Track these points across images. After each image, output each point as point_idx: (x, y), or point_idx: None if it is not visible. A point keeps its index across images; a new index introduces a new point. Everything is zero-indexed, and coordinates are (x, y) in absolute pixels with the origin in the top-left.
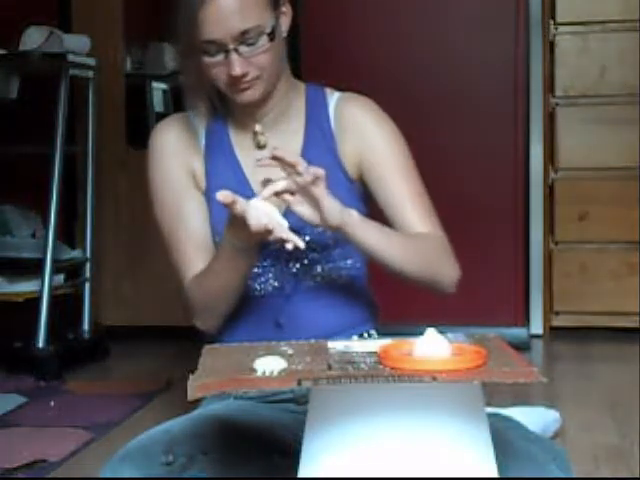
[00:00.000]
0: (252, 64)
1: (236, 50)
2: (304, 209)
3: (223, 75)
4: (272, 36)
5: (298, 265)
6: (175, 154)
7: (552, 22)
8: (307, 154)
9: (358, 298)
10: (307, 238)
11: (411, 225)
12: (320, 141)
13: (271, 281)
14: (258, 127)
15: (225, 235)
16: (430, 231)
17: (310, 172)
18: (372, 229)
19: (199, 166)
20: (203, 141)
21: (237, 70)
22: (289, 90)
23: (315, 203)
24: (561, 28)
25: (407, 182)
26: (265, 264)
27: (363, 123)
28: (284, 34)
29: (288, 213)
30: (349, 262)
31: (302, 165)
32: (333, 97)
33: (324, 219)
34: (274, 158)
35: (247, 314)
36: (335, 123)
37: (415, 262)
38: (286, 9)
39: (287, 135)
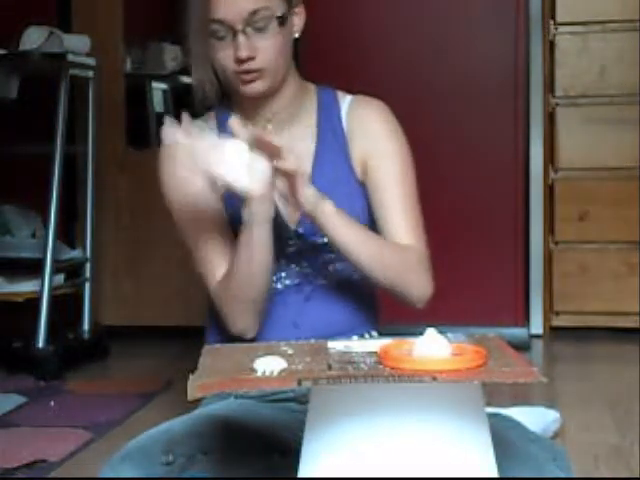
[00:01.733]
0: (259, 50)
1: (244, 32)
2: (281, 185)
3: (229, 60)
4: (282, 21)
5: (312, 265)
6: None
7: (552, 22)
8: (320, 155)
9: (367, 298)
10: (325, 240)
11: (396, 235)
12: (332, 143)
13: (283, 280)
14: (270, 127)
15: (243, 212)
16: (413, 244)
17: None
18: (345, 224)
19: None
20: None
21: (243, 52)
22: (299, 91)
23: (293, 187)
24: (561, 28)
25: (402, 194)
26: (279, 264)
27: (373, 128)
28: (296, 34)
29: (303, 217)
30: None
31: (286, 154)
32: (345, 100)
33: (298, 203)
34: (259, 141)
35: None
36: (348, 126)
37: (385, 269)
38: (299, 10)
39: (299, 136)
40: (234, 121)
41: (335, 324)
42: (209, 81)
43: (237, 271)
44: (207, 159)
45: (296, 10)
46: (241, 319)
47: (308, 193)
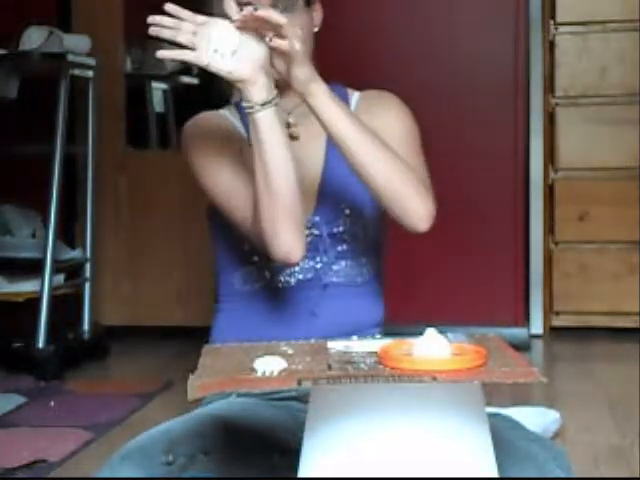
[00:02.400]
0: None
1: None
2: (279, 61)
3: None
4: (308, 1)
5: (325, 258)
6: (218, 132)
7: (552, 22)
8: (332, 151)
9: (377, 295)
10: (340, 229)
11: None
12: None
13: (296, 274)
14: (291, 119)
15: (244, 98)
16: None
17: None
18: (338, 109)
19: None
20: (243, 130)
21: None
22: None
23: (288, 61)
24: (561, 28)
25: (406, 154)
26: None
27: (379, 110)
28: (316, 28)
29: (319, 206)
30: (372, 257)
31: (288, 30)
32: (354, 96)
33: (290, 78)
34: (256, 18)
35: (279, 308)
36: None
37: (382, 166)
38: (317, 7)
39: (313, 133)
40: (228, 3)
41: (352, 317)
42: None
43: (256, 176)
44: (192, 39)
45: (315, 7)
46: (281, 237)
47: (297, 73)
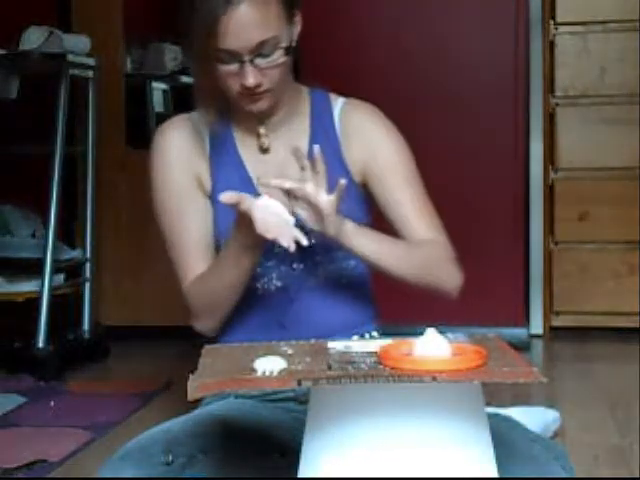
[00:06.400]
0: (266, 75)
1: (251, 61)
2: (305, 213)
3: (236, 84)
4: (288, 50)
5: (302, 266)
6: (179, 157)
7: (552, 22)
8: (312, 157)
9: (360, 299)
10: (313, 241)
11: (414, 231)
12: (324, 144)
13: (274, 281)
14: (262, 129)
15: (233, 233)
16: (433, 237)
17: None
18: (366, 239)
19: (204, 168)
20: (208, 143)
21: (251, 81)
22: (293, 94)
23: (318, 211)
24: (561, 28)
25: (411, 189)
26: (269, 264)
27: (369, 130)
28: (294, 43)
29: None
30: (352, 263)
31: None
32: (338, 102)
33: (322, 227)
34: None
35: (250, 315)
36: (340, 128)
37: (413, 270)
38: (297, 19)
39: (292, 137)
40: (227, 197)
41: (324, 324)
42: (212, 99)
43: (209, 282)
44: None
45: (295, 20)
46: (203, 321)
47: (330, 220)
